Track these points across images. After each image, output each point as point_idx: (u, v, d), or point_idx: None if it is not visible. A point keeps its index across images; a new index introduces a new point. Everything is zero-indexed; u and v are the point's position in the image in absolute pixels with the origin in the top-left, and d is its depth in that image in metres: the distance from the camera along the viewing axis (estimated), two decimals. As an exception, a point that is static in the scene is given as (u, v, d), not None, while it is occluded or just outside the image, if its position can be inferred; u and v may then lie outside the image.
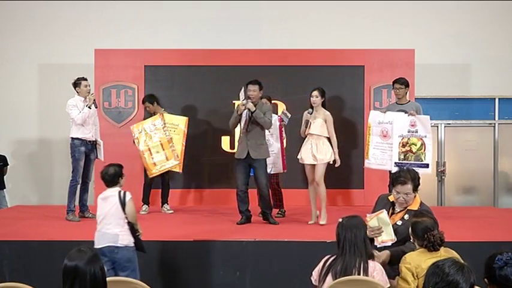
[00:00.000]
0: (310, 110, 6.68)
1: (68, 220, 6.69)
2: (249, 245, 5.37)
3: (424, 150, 6.73)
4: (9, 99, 9.52)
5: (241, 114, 6.44)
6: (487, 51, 9.47)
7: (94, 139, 6.87)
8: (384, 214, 4.12)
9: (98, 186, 8.37)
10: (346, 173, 8.49)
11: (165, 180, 7.64)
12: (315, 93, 6.63)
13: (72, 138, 6.72)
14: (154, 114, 7.41)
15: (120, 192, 4.53)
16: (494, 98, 9.57)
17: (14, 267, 5.21)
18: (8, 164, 9.19)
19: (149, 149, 7.09)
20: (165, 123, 7.10)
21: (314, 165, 6.57)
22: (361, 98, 8.55)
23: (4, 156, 9.13)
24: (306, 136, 6.68)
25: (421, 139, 6.73)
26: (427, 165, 6.71)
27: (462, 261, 2.80)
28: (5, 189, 9.06)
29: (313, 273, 3.76)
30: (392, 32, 9.30)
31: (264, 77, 8.38)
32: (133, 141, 7.26)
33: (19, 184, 9.50)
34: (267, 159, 6.77)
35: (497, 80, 9.49)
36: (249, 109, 6.41)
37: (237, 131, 7.07)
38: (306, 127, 6.60)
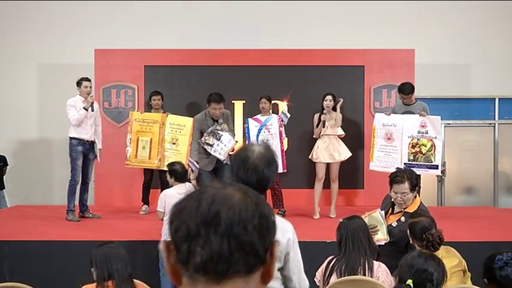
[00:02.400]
0: (324, 112, 7.00)
1: (68, 220, 6.67)
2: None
3: (434, 151, 6.69)
4: (9, 99, 9.52)
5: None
6: (487, 51, 9.47)
7: (92, 139, 6.82)
8: (377, 213, 4.11)
9: (98, 186, 8.39)
10: (346, 172, 8.49)
11: (164, 180, 7.63)
12: (329, 97, 7.06)
13: (70, 137, 6.70)
14: (156, 111, 7.39)
15: (194, 186, 5.20)
16: (494, 98, 9.57)
17: (14, 267, 5.21)
18: (7, 165, 9.19)
19: (137, 140, 7.05)
20: (163, 124, 7.06)
21: (328, 163, 7.03)
22: (361, 98, 8.55)
23: (4, 157, 9.14)
24: (320, 136, 7.06)
25: (431, 140, 6.70)
26: (436, 167, 6.69)
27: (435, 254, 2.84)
28: (4, 190, 9.07)
29: (317, 274, 3.74)
30: (392, 32, 9.30)
31: (264, 77, 8.45)
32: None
33: (19, 184, 9.50)
34: None
35: (497, 80, 9.49)
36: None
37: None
38: (324, 127, 6.96)
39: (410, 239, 3.74)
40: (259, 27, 9.34)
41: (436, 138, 6.71)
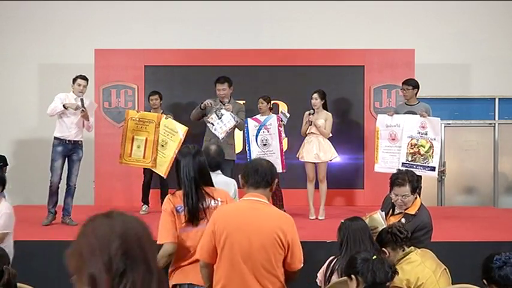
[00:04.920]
0: (312, 111, 6.93)
1: (43, 225, 6.43)
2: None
3: (432, 153, 6.66)
4: (9, 99, 9.52)
5: (205, 108, 6.54)
6: (487, 51, 9.47)
7: (77, 139, 6.56)
8: (378, 214, 4.08)
9: (98, 185, 8.39)
10: (346, 173, 8.50)
11: (164, 180, 7.60)
12: (315, 95, 6.94)
13: (54, 137, 6.46)
14: (155, 111, 7.34)
15: None
16: (494, 98, 9.58)
17: (12, 267, 5.19)
18: (7, 164, 9.18)
19: (133, 139, 6.97)
20: (158, 125, 7.00)
21: (315, 163, 6.91)
22: (361, 98, 8.55)
23: (4, 157, 9.13)
24: (307, 135, 6.96)
25: (430, 141, 6.67)
26: (433, 169, 6.66)
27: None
28: (5, 189, 9.06)
29: (318, 274, 3.76)
30: (392, 32, 9.30)
31: (264, 76, 8.45)
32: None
33: (19, 184, 9.50)
34: (269, 158, 6.85)
35: (497, 80, 9.49)
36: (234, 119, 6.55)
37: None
38: (310, 125, 6.86)
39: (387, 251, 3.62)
40: (259, 27, 9.34)
41: (435, 139, 6.69)
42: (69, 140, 6.49)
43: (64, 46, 9.34)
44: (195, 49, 8.75)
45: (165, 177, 7.03)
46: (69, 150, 6.52)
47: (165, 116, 7.09)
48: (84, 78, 6.64)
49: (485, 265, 2.81)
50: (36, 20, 9.52)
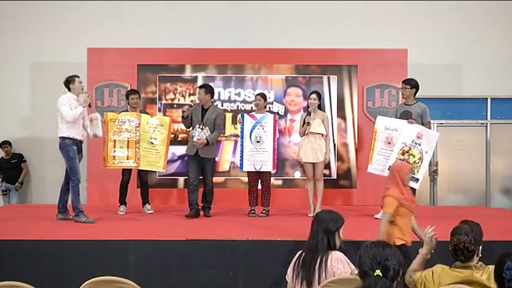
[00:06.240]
0: (308, 111, 7.01)
1: (82, 222, 6.40)
2: (241, 244, 5.36)
3: (420, 165, 6.64)
4: (1, 98, 9.47)
5: (187, 117, 6.92)
6: (480, 51, 9.51)
7: (82, 139, 6.64)
8: None
9: (91, 185, 8.35)
10: (339, 172, 8.51)
11: (143, 179, 7.51)
12: (313, 96, 7.05)
13: (63, 137, 6.43)
14: (134, 110, 7.31)
15: None
16: (487, 98, 9.61)
17: (5, 267, 5.17)
18: (25, 161, 9.39)
19: (114, 141, 6.96)
20: (139, 124, 6.99)
21: (314, 163, 7.01)
22: (354, 97, 8.56)
23: (20, 154, 9.36)
24: (304, 135, 7.04)
25: (421, 153, 6.64)
26: (416, 180, 6.64)
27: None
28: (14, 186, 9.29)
29: (288, 271, 3.83)
30: (385, 32, 9.32)
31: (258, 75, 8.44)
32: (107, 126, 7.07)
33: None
34: (261, 155, 6.95)
35: (489, 80, 9.52)
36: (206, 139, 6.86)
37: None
38: (308, 125, 6.95)
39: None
40: (253, 26, 9.33)
41: (426, 153, 6.65)
42: (79, 140, 6.57)
43: (56, 45, 9.30)
44: (188, 48, 8.74)
45: (164, 171, 7.31)
46: (79, 149, 6.60)
47: (151, 115, 7.17)
48: (79, 76, 6.69)
49: (497, 269, 2.83)
50: (28, 18, 9.47)
